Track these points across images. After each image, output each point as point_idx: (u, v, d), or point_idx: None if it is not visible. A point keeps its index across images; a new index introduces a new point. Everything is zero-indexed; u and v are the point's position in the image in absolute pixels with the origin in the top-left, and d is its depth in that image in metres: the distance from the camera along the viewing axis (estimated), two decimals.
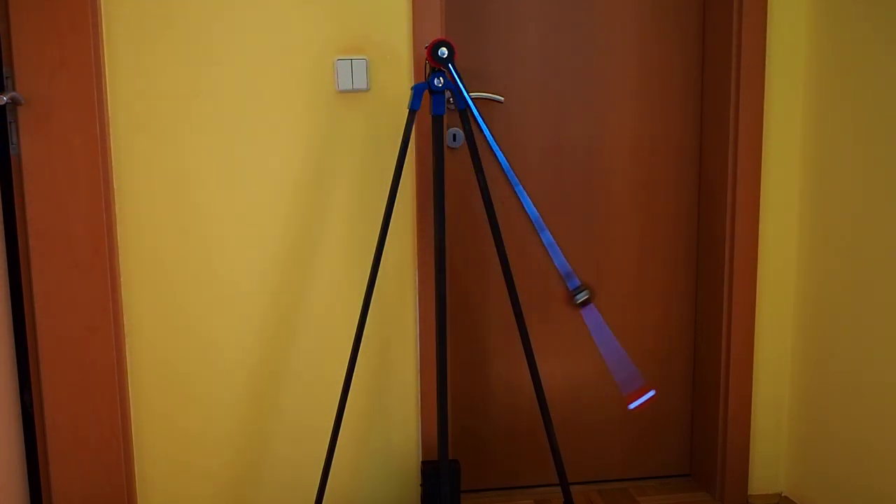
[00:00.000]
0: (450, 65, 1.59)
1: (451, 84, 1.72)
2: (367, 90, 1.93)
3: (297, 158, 1.93)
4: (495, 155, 1.66)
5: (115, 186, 1.88)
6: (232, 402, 1.99)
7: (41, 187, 1.79)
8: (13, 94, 1.72)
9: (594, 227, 2.23)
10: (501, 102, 2.14)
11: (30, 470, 1.91)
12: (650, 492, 2.30)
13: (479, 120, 1.67)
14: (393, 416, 2.06)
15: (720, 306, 2.17)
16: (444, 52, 1.69)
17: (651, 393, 1.72)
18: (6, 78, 1.76)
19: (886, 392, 1.80)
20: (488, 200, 1.79)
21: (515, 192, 1.65)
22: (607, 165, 2.21)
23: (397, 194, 1.91)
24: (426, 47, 1.74)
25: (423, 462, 2.04)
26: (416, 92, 1.74)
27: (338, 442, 2.04)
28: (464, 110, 1.76)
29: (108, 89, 1.85)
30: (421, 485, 2.02)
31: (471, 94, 2.11)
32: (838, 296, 1.96)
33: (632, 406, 1.70)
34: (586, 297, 1.64)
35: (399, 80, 1.94)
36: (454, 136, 2.13)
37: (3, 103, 1.67)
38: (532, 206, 1.67)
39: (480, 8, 2.10)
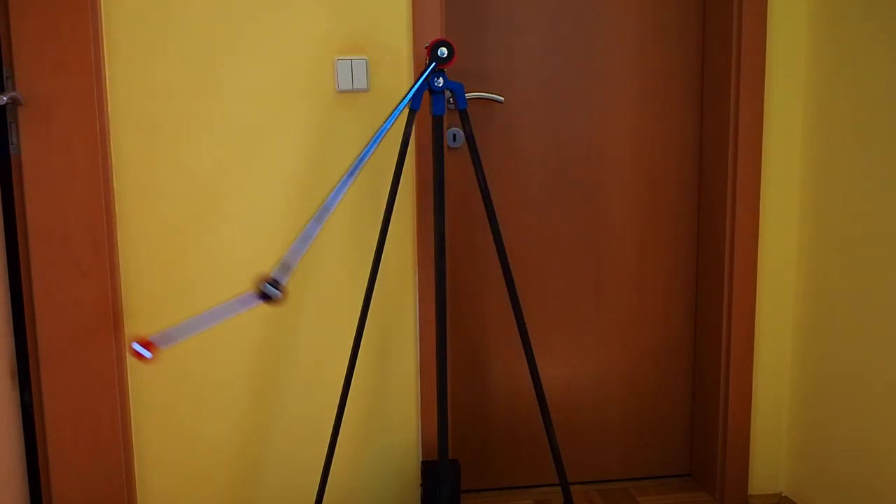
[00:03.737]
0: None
1: (451, 84, 1.72)
2: (366, 90, 1.93)
3: (297, 158, 1.93)
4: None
5: (115, 186, 1.88)
6: (232, 402, 1.99)
7: (41, 187, 1.79)
8: (13, 94, 1.72)
9: (594, 227, 2.23)
10: (501, 102, 2.14)
11: (30, 470, 1.91)
12: (650, 492, 2.30)
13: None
14: (393, 416, 2.06)
15: (720, 306, 2.16)
16: (444, 52, 1.69)
17: (148, 354, 1.60)
18: (6, 78, 1.76)
19: (886, 392, 1.80)
20: (488, 200, 1.79)
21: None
22: (607, 165, 2.21)
23: (397, 194, 1.91)
24: (426, 47, 1.74)
25: (422, 462, 2.04)
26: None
27: (338, 442, 2.04)
28: (464, 110, 1.76)
29: (108, 89, 1.85)
30: (421, 485, 2.02)
31: (471, 94, 2.11)
32: (838, 296, 1.96)
33: (134, 345, 1.58)
34: (272, 296, 1.57)
35: (399, 80, 1.94)
36: (454, 136, 2.13)
37: (3, 103, 1.67)
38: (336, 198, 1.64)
39: (480, 8, 2.10)
